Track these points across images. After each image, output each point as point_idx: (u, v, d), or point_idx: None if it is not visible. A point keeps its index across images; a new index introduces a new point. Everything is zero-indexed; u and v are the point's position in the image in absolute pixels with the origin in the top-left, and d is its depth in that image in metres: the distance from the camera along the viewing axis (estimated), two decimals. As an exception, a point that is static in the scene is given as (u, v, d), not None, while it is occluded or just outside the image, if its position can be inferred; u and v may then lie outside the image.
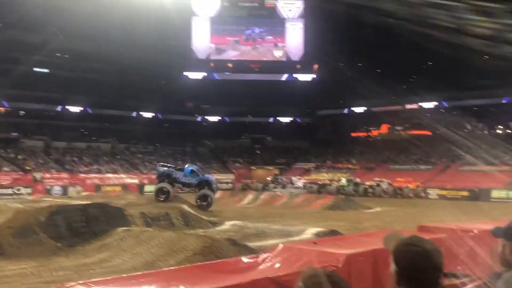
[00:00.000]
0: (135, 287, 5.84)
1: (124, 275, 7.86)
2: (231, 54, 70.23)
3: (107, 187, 46.60)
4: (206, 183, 26.63)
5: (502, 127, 66.26)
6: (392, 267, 2.01)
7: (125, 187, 47.25)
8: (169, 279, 6.03)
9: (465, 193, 42.51)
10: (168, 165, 30.35)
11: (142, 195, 39.11)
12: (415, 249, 1.98)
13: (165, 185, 25.55)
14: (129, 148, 60.47)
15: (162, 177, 26.31)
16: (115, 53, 60.86)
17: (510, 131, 64.33)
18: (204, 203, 25.49)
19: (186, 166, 28.21)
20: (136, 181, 50.87)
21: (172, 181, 26.15)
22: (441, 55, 66.97)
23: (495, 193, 41.07)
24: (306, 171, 60.88)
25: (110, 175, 50.80)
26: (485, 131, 65.60)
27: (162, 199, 24.87)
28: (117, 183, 48.93)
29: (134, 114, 64.68)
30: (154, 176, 30.90)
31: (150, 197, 31.13)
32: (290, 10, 70.08)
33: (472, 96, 58.34)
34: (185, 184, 26.43)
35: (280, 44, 70.63)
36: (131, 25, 59.33)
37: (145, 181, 51.06)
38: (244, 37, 69.65)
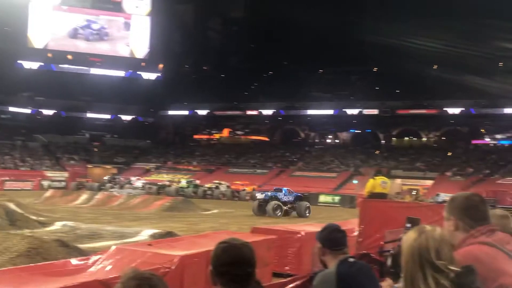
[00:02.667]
0: None
1: None
2: (71, 46, 66.71)
3: None
4: (299, 197, 31.27)
5: (329, 137, 71.78)
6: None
7: None
8: (-14, 283, 5.53)
9: (296, 197, 44.97)
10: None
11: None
12: (222, 246, 2.08)
13: (276, 201, 29.03)
14: None
15: (269, 199, 29.40)
16: None
17: (338, 141, 69.93)
18: (307, 213, 29.74)
19: (281, 188, 32.15)
20: (-45, 176, 46.13)
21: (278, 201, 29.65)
22: (282, 66, 71.01)
23: (322, 198, 43.87)
24: (147, 172, 60.09)
25: None
26: (316, 140, 70.63)
27: (279, 214, 28.33)
28: None
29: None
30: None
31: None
32: (137, 7, 68.64)
33: (306, 107, 62.27)
34: (285, 202, 29.74)
35: (124, 40, 68.82)
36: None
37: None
38: (86, 29, 66.61)
